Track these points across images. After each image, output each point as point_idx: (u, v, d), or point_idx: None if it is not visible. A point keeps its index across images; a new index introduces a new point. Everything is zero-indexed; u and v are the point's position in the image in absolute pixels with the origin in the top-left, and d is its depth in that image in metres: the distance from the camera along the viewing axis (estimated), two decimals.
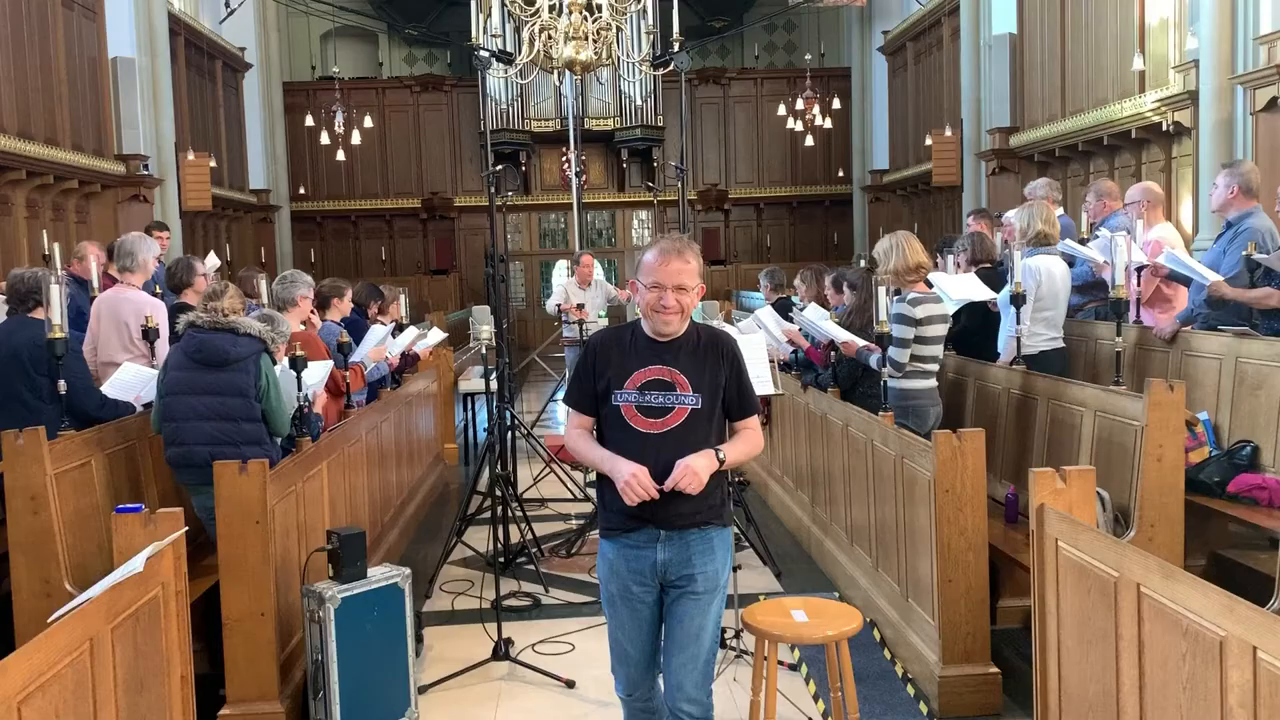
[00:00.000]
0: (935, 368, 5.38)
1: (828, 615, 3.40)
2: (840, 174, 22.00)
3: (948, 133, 16.24)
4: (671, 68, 6.74)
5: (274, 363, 4.57)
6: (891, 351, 5.13)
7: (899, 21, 19.63)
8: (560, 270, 22.20)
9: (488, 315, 5.57)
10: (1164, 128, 11.04)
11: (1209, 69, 9.70)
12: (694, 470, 2.94)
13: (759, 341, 5.45)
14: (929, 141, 16.75)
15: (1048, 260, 5.84)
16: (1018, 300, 5.52)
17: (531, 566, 6.20)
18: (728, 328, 7.78)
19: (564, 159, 21.32)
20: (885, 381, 5.13)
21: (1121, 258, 4.71)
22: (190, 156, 15.63)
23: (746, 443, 3.17)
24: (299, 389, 4.78)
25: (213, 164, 16.32)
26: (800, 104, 18.78)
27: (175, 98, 15.61)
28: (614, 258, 21.63)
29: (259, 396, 4.43)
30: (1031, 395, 5.26)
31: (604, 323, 9.54)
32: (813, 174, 22.24)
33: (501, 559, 5.93)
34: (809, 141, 19.57)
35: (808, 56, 18.99)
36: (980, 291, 6.26)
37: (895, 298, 5.22)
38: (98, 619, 2.51)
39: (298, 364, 4.74)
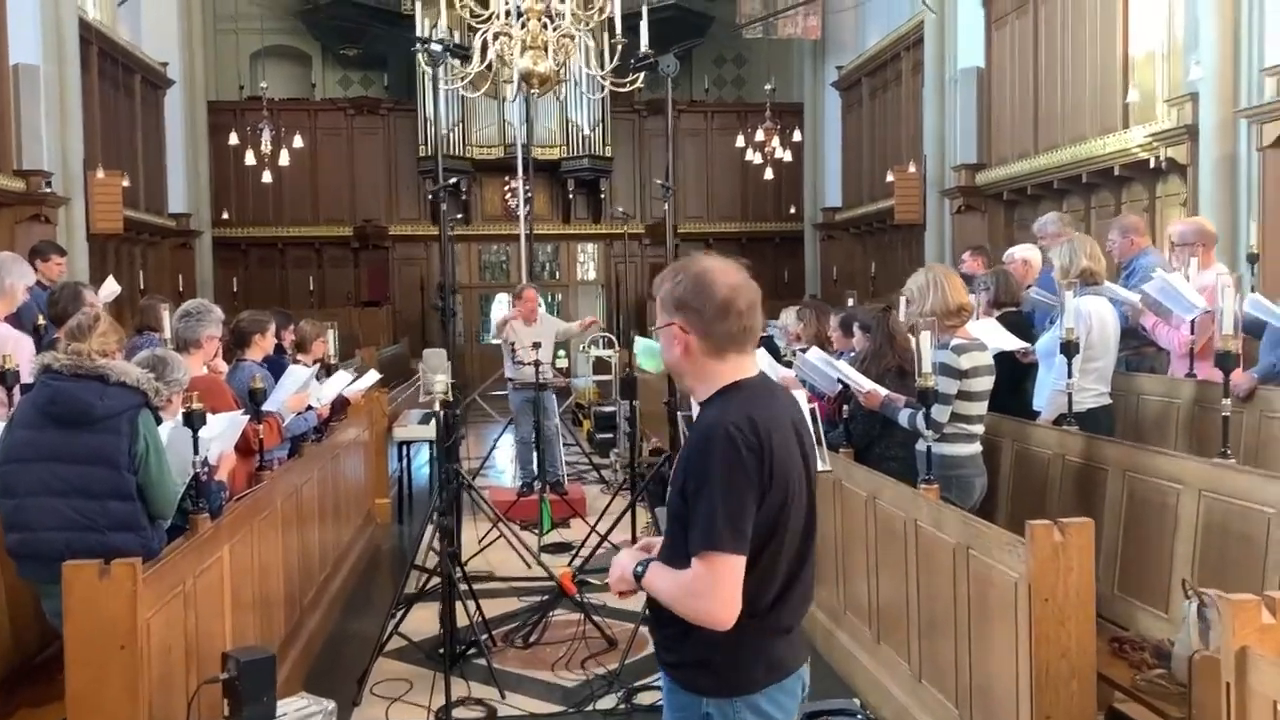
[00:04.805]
0: (980, 429, 4.51)
1: None
2: (792, 210, 21.32)
3: (911, 168, 15.60)
4: (656, 72, 5.81)
5: (158, 421, 3.48)
6: (932, 409, 4.23)
7: (854, 56, 19.10)
8: (500, 304, 21.09)
9: (443, 361, 4.53)
10: (1151, 165, 10.44)
11: (1210, 102, 9.09)
12: (614, 562, 2.34)
13: None
14: (890, 178, 16.09)
15: (1098, 303, 5.02)
16: (1069, 349, 4.67)
17: (482, 660, 5.14)
18: None
19: (506, 188, 20.33)
20: (929, 447, 4.21)
21: (1229, 302, 3.85)
22: (100, 175, 14.30)
23: (671, 582, 2.17)
24: (195, 451, 3.71)
25: (126, 184, 14.99)
26: (760, 134, 18.04)
27: (86, 111, 14.30)
28: (558, 291, 20.61)
29: (134, 466, 3.34)
30: (1097, 464, 4.39)
31: (562, 365, 8.52)
32: (763, 210, 21.52)
33: (446, 650, 4.90)
34: (768, 174, 18.83)
35: (768, 86, 18.25)
36: (1008, 340, 5.41)
37: (935, 345, 4.32)
38: None
39: (194, 420, 3.67)
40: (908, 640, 4.20)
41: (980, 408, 4.44)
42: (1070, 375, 4.70)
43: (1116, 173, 11.11)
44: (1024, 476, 4.96)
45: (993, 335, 5.44)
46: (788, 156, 18.95)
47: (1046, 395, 5.05)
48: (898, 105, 17.27)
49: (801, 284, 20.94)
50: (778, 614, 2.23)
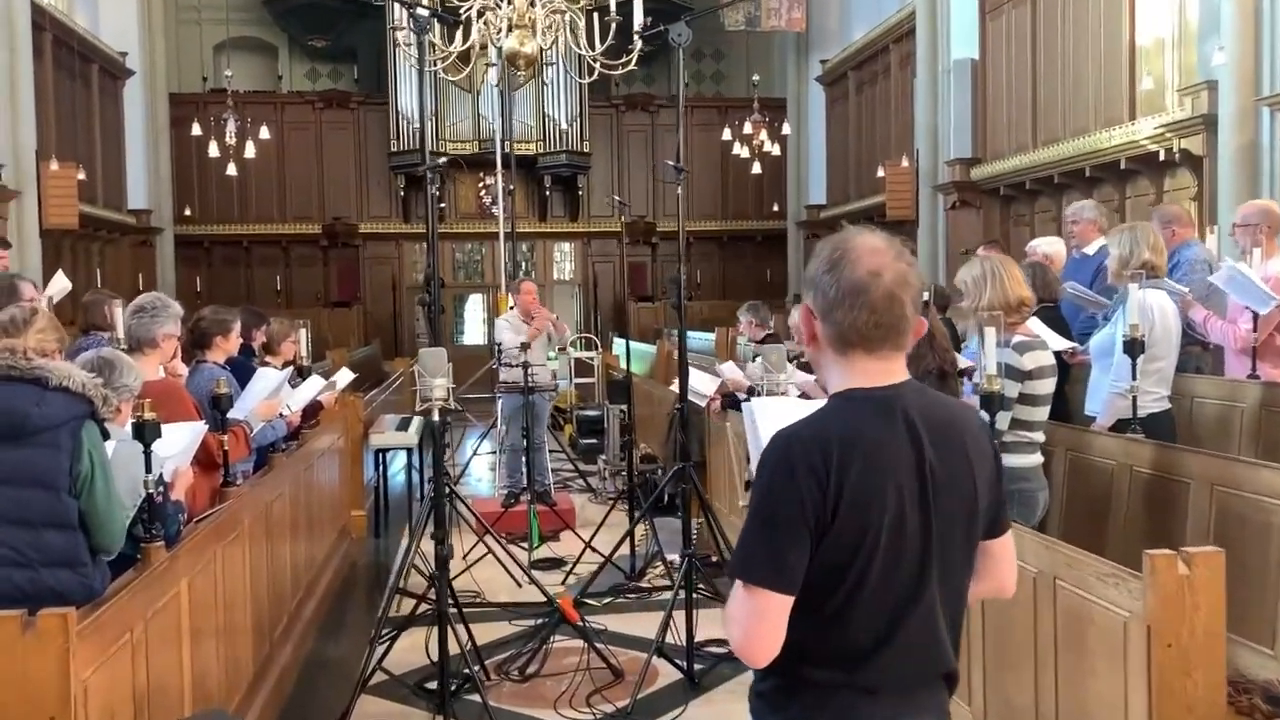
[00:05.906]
0: (1041, 437, 4.02)
1: None
2: (774, 208, 20.86)
3: (903, 163, 15.17)
4: (665, 42, 5.28)
5: (105, 436, 2.91)
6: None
7: (839, 50, 18.68)
8: (475, 304, 20.53)
9: (442, 362, 3.96)
10: (1161, 157, 10.04)
11: (1229, 90, 8.69)
12: None
13: (781, 414, 3.67)
14: (881, 173, 15.67)
15: (1160, 297, 4.55)
16: (1133, 348, 4.19)
17: (476, 696, 4.59)
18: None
19: (481, 185, 19.74)
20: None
21: None
22: (54, 167, 13.60)
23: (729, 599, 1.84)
24: (147, 470, 3.14)
25: (82, 177, 14.29)
26: (748, 128, 17.54)
27: (39, 100, 13.63)
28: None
29: (76, 489, 2.77)
30: (1175, 476, 3.91)
31: (554, 367, 7.95)
32: (744, 208, 21.08)
33: (437, 686, 4.36)
34: (755, 169, 18.34)
35: (755, 78, 17.79)
36: (1055, 339, 4.93)
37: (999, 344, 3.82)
38: None
39: (146, 432, 3.11)
40: (969, 680, 3.70)
41: (1043, 413, 3.96)
42: (1134, 376, 4.23)
43: (1122, 166, 10.72)
44: (1081, 490, 4.48)
45: (1042, 334, 4.99)
46: (776, 150, 18.50)
47: (1103, 399, 4.58)
48: (886, 99, 16.86)
49: (785, 284, 20.50)
50: (863, 671, 1.80)
